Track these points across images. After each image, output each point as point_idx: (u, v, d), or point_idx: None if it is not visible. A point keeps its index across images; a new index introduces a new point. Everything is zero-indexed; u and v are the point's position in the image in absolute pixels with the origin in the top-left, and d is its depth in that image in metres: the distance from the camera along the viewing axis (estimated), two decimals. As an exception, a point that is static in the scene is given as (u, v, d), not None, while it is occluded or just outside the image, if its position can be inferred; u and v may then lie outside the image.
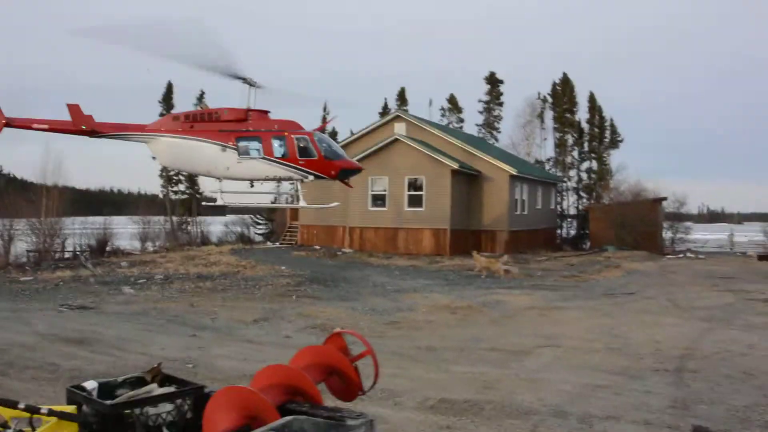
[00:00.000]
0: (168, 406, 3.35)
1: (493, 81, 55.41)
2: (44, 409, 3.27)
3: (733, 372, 10.27)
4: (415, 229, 34.98)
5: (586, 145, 52.17)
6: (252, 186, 21.49)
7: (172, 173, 49.38)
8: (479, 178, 36.75)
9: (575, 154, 52.14)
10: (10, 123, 20.12)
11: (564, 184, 50.34)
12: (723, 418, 7.84)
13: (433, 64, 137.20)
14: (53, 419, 3.26)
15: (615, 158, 52.58)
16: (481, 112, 54.92)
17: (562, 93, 52.26)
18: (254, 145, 20.51)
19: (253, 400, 2.99)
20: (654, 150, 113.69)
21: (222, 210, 38.58)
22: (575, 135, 51.99)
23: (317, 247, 36.64)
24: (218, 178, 21.35)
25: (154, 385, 3.50)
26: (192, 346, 12.09)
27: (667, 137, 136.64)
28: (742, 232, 50.86)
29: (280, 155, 20.42)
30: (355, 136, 39.73)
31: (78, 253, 33.97)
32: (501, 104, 55.06)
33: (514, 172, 36.64)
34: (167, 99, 52.45)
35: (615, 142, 52.17)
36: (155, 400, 3.33)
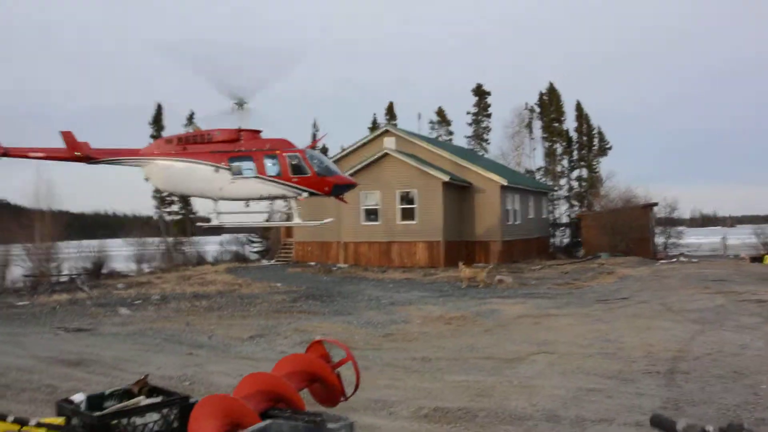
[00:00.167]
0: (154, 416, 3.44)
1: (480, 93, 55.77)
2: (33, 421, 3.35)
3: (724, 372, 10.40)
4: (409, 242, 35.16)
5: (575, 153, 52.50)
6: (247, 205, 21.65)
7: (165, 194, 49.52)
8: (470, 189, 36.97)
9: (565, 162, 52.47)
10: (7, 153, 20.29)
11: (555, 193, 50.60)
12: (714, 417, 7.97)
13: (421, 77, 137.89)
14: (42, 431, 3.35)
15: (604, 165, 53.07)
16: (470, 124, 55.27)
17: (549, 103, 52.64)
18: (247, 164, 20.69)
19: (236, 406, 3.09)
20: (644, 156, 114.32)
21: (217, 230, 38.74)
22: (564, 144, 52.31)
23: (312, 264, 36.76)
24: (212, 199, 21.52)
25: (141, 397, 3.59)
26: (189, 363, 12.17)
27: (657, 143, 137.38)
28: (735, 234, 51.06)
29: (273, 174, 20.59)
30: (346, 151, 39.95)
31: (74, 276, 34.02)
32: (489, 115, 55.46)
33: (504, 182, 36.86)
34: (157, 120, 52.56)
35: (603, 150, 52.54)
36: (142, 411, 3.41)
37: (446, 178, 34.86)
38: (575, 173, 52.28)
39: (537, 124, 53.01)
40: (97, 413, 3.33)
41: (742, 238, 45.78)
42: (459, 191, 36.62)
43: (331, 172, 21.42)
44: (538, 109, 53.04)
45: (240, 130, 21.08)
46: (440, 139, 51.58)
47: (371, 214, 36.24)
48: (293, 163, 20.68)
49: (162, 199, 51.38)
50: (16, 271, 32.69)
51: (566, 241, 47.25)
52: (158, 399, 3.58)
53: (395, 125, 48.02)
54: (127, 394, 3.67)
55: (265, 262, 41.88)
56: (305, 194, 20.94)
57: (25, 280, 31.62)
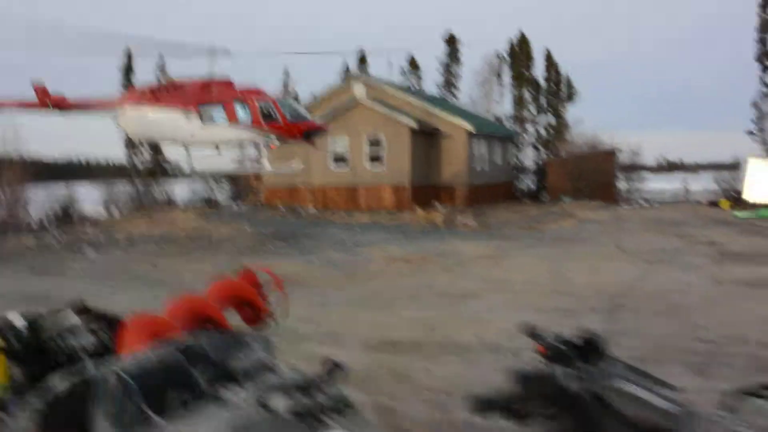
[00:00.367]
0: (88, 335, 3.72)
1: (451, 40, 55.66)
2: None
3: (665, 308, 10.99)
4: (376, 187, 35.59)
5: (543, 100, 52.80)
6: (218, 151, 21.82)
7: (136, 141, 49.23)
8: (438, 135, 37.29)
9: (533, 109, 52.78)
10: None
11: (522, 139, 51.04)
12: (641, 346, 8.51)
13: (392, 25, 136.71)
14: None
15: (571, 113, 53.15)
16: (440, 72, 55.26)
17: (519, 51, 52.74)
18: (218, 111, 20.81)
19: (162, 324, 3.44)
20: (611, 103, 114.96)
21: (187, 175, 38.77)
22: (532, 91, 52.57)
23: (281, 208, 37.03)
24: (184, 145, 21.66)
25: (76, 318, 3.86)
26: (153, 301, 12.53)
27: (624, 90, 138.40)
28: (698, 180, 51.94)
29: (244, 120, 20.76)
30: (316, 98, 39.95)
31: (42, 220, 34.04)
32: (460, 63, 55.43)
33: (472, 128, 37.22)
34: (127, 69, 51.89)
35: (571, 97, 52.85)
36: (76, 330, 3.69)
37: (414, 125, 35.16)
38: (543, 120, 52.67)
39: (506, 72, 53.17)
40: (32, 333, 3.58)
41: (703, 184, 46.66)
42: (427, 137, 36.95)
43: (301, 118, 21.61)
44: (508, 58, 53.12)
45: (211, 79, 21.17)
46: (410, 86, 51.57)
47: (340, 159, 36.51)
48: (264, 109, 20.84)
49: (133, 144, 51.08)
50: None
51: (532, 186, 47.79)
52: (92, 319, 3.85)
53: (366, 72, 47.99)
54: (63, 314, 3.92)
55: (234, 206, 42.08)
56: (276, 140, 21.15)
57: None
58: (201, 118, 20.99)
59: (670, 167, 61.98)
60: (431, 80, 58.45)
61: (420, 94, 45.37)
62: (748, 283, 13.01)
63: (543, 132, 52.50)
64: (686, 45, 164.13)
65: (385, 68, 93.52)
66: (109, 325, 3.82)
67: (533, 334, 2.39)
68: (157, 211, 39.97)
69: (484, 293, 12.81)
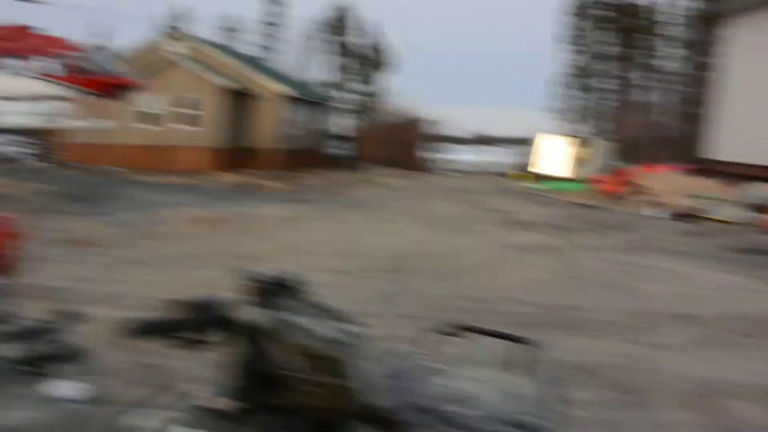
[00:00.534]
0: None
1: (272, 2, 55.11)
2: None
3: (444, 269, 11.56)
4: (188, 148, 34.74)
5: (361, 68, 53.54)
6: (21, 104, 20.47)
7: None
8: (253, 97, 36.93)
9: (350, 76, 53.39)
10: None
11: (338, 105, 51.57)
12: (416, 305, 8.94)
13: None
14: None
15: (387, 82, 54.35)
16: (260, 33, 54.60)
17: (340, 17, 53.14)
18: (21, 63, 19.46)
19: None
20: (426, 75, 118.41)
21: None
22: (351, 58, 53.20)
23: (87, 167, 35.36)
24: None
25: None
26: None
27: (439, 65, 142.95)
28: (501, 153, 54.56)
29: (51, 72, 19.50)
30: (130, 54, 38.24)
31: None
32: (280, 26, 55.03)
33: (288, 92, 37.17)
34: None
35: (388, 66, 54.00)
36: None
37: (229, 85, 34.67)
38: (359, 87, 53.41)
39: (327, 38, 53.37)
40: None
41: (505, 156, 49.18)
42: (242, 99, 36.47)
43: (113, 74, 20.64)
44: (328, 24, 53.34)
45: (14, 25, 19.65)
46: (229, 46, 50.56)
47: (152, 118, 35.38)
48: (74, 62, 19.67)
49: None
50: None
51: (345, 152, 48.43)
52: None
53: (182, 31, 46.55)
54: None
55: (36, 163, 39.63)
56: (85, 94, 20.07)
57: None
58: (2, 69, 19.52)
59: (477, 140, 64.57)
60: (250, 42, 57.58)
61: (237, 55, 44.59)
62: (525, 248, 13.94)
63: (358, 99, 53.28)
64: (498, 22, 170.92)
65: (203, 27, 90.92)
66: None
67: (251, 277, 2.47)
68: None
69: (276, 255, 12.87)
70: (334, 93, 51.69)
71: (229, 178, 30.18)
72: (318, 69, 53.20)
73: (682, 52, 48.88)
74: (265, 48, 54.48)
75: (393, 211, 20.06)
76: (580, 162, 34.90)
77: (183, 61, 35.04)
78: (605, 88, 52.14)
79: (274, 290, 2.44)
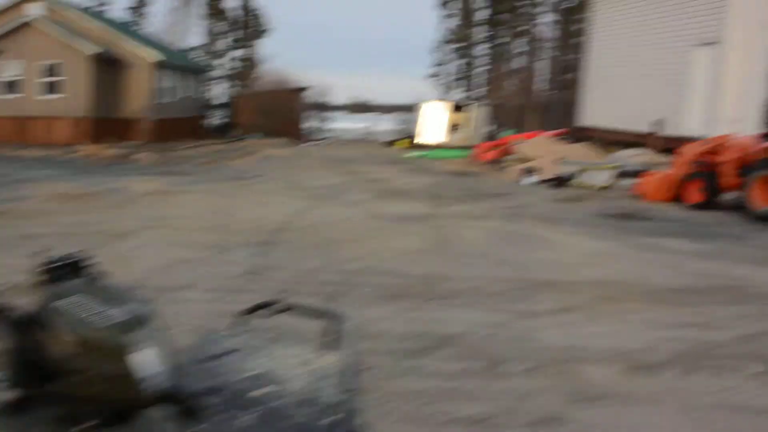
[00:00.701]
0: None
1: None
2: None
3: (315, 241, 11.32)
4: (52, 118, 32.98)
5: (236, 33, 52.31)
6: None
7: None
8: (122, 64, 35.38)
9: (225, 42, 52.12)
10: None
11: (213, 73, 50.27)
12: (285, 278, 8.69)
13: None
14: None
15: (263, 48, 53.47)
16: (129, -4, 52.53)
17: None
18: None
19: None
20: (303, 42, 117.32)
21: None
22: (225, 23, 51.89)
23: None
24: None
25: None
26: None
27: (316, 31, 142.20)
28: (384, 122, 54.75)
29: None
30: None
31: None
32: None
33: (159, 58, 35.81)
34: None
35: (263, 32, 52.98)
36: None
37: (96, 51, 33.04)
38: (235, 54, 52.24)
39: (200, 2, 51.83)
40: None
41: (388, 125, 49.33)
42: (110, 66, 34.85)
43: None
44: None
45: None
46: (94, 9, 48.30)
47: (11, 86, 33.42)
48: None
49: None
50: None
51: (222, 121, 47.35)
52: None
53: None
54: None
55: None
56: None
57: None
58: None
59: (359, 108, 64.76)
60: (119, 5, 55.39)
61: (105, 19, 42.61)
62: (399, 218, 13.86)
63: (234, 66, 52.11)
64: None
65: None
66: None
67: (41, 260, 2.19)
68: None
69: (143, 230, 12.32)
70: (209, 60, 50.37)
71: (101, 150, 28.88)
72: (191, 35, 51.71)
73: (555, 17, 50.03)
74: (136, 11, 52.42)
75: (268, 182, 19.66)
76: (457, 128, 35.26)
77: (44, 23, 33.09)
78: (479, 54, 52.91)
79: (61, 273, 2.19)
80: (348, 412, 2.04)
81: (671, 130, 22.29)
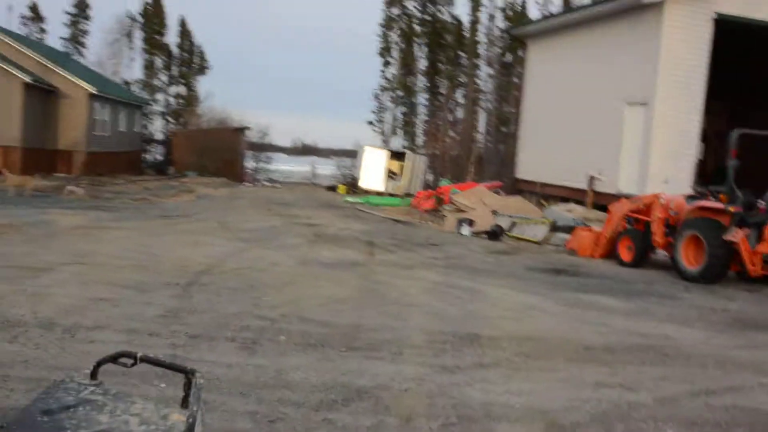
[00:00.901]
0: None
1: (80, -7, 52.44)
2: None
3: (241, 285, 11.04)
4: (-20, 148, 32.10)
5: (175, 69, 51.93)
6: None
7: None
8: (57, 94, 34.73)
9: (164, 77, 51.68)
10: None
11: (151, 108, 49.67)
12: (202, 323, 8.41)
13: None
14: None
15: (203, 85, 53.35)
16: (67, 25, 51.64)
17: (153, 14, 51.23)
18: None
19: None
20: (244, 82, 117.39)
21: None
22: (164, 58, 51.50)
23: None
24: None
25: None
26: None
27: (257, 71, 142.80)
28: (327, 165, 54.73)
29: None
30: None
31: None
32: (89, 18, 52.35)
33: (95, 90, 35.27)
34: None
35: (203, 69, 52.81)
36: None
37: (29, 80, 32.35)
38: (173, 89, 51.85)
39: (138, 35, 51.37)
40: None
41: (331, 168, 49.31)
42: (44, 95, 34.19)
43: None
44: (141, 19, 51.28)
45: None
46: (30, 37, 47.44)
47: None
48: None
49: None
50: None
51: (159, 157, 46.67)
52: None
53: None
54: None
55: None
56: None
57: None
58: None
59: (301, 150, 64.78)
60: (56, 34, 54.46)
61: (40, 47, 41.89)
62: (331, 265, 13.69)
63: (173, 102, 51.68)
64: (322, 35, 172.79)
65: (3, 13, 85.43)
66: None
67: None
68: None
69: (64, 266, 11.90)
70: (146, 93, 49.78)
71: (30, 182, 28.10)
72: (129, 67, 51.16)
73: (494, 71, 50.92)
74: (73, 41, 51.62)
75: (200, 222, 19.31)
76: (395, 176, 35.37)
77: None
78: (419, 103, 53.50)
79: None
80: None
81: (605, 187, 22.64)
